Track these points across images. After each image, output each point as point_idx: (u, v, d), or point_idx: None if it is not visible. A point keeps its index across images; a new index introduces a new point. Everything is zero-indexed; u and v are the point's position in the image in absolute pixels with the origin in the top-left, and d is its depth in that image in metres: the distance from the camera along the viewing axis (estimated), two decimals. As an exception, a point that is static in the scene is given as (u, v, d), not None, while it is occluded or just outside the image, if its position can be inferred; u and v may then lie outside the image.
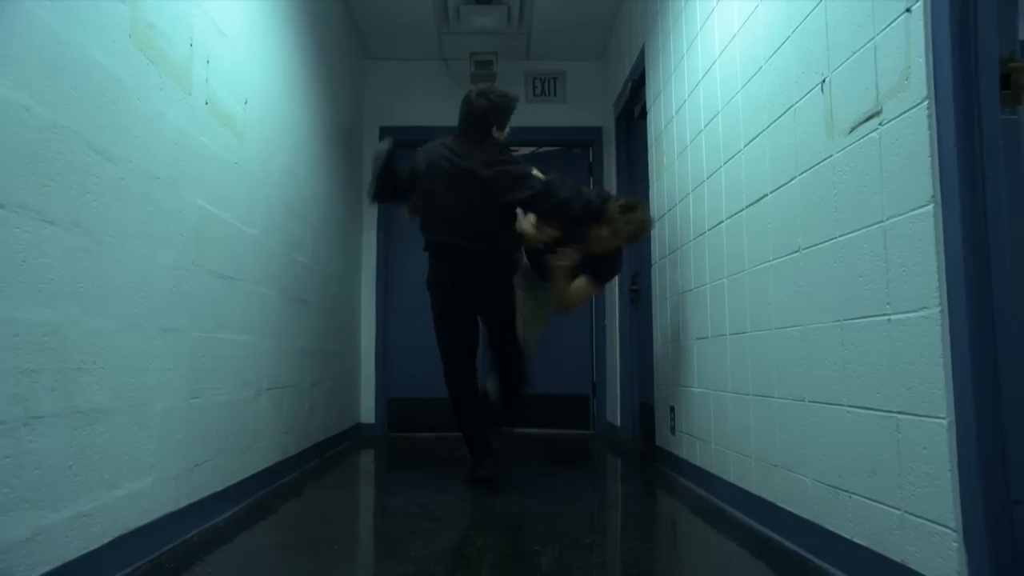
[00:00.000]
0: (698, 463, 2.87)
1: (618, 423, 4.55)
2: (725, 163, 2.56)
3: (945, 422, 1.34)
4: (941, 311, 1.35)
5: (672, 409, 3.27)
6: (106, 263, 1.65)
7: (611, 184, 4.74)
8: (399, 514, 2.53)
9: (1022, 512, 1.24)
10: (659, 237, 3.51)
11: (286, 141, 3.16)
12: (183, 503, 2.05)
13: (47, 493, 1.42)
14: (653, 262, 3.65)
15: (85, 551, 1.54)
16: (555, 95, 5.27)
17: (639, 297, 4.29)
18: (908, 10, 1.45)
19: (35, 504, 1.38)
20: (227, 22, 2.45)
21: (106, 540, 1.62)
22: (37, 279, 1.40)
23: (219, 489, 2.31)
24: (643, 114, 3.90)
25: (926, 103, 1.39)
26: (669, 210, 3.32)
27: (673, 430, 3.24)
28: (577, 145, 5.27)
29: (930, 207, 1.38)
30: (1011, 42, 1.31)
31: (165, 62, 1.96)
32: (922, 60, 1.40)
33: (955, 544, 1.30)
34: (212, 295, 2.28)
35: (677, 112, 3.20)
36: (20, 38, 1.36)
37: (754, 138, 2.28)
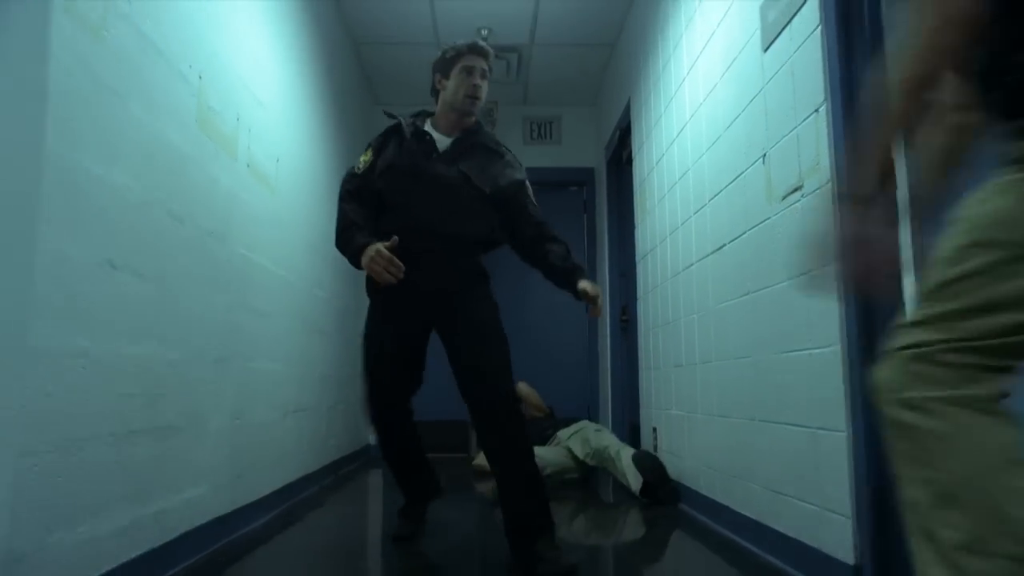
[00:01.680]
0: (679, 479, 3.22)
1: (609, 443, 4.88)
2: (694, 213, 2.95)
3: (845, 435, 1.71)
4: (842, 348, 1.72)
5: (655, 429, 3.63)
6: (178, 306, 2.03)
7: (603, 219, 5.16)
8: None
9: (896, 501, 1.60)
10: (643, 274, 3.89)
11: (307, 188, 3.56)
12: (229, 508, 2.41)
13: (139, 492, 1.79)
14: (639, 296, 4.03)
15: (162, 542, 1.90)
16: (551, 138, 5.70)
17: (628, 327, 4.66)
18: (816, 110, 1.85)
19: (131, 500, 1.75)
20: (264, 92, 2.86)
21: (176, 535, 1.99)
22: (133, 321, 1.78)
23: (256, 499, 2.67)
24: (630, 160, 4.30)
25: (830, 184, 1.78)
26: (651, 250, 3.71)
27: (655, 448, 3.60)
28: (572, 184, 5.68)
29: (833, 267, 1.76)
30: (890, 140, 1.70)
31: (219, 136, 2.36)
32: (827, 150, 1.79)
33: (851, 527, 1.67)
34: (252, 329, 2.66)
35: (657, 163, 3.60)
36: (128, 135, 1.75)
37: (716, 194, 2.67)
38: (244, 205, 2.61)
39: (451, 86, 2.27)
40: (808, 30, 1.91)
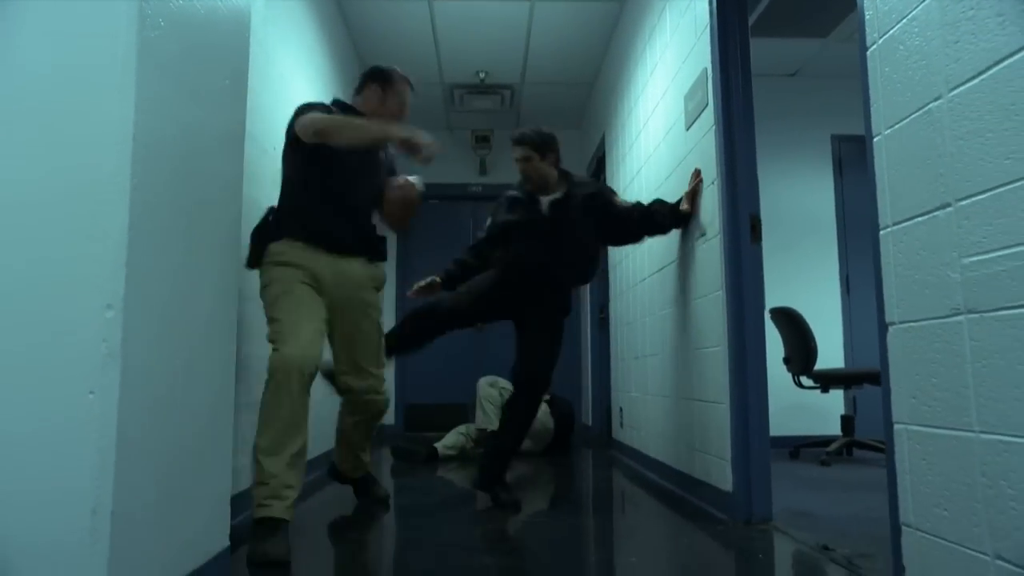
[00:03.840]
0: (636, 447, 4.06)
1: (590, 423, 5.74)
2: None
3: (726, 405, 2.54)
4: (727, 347, 2.55)
5: (621, 409, 4.47)
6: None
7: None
8: (419, 486, 3.72)
9: (756, 448, 2.43)
10: (614, 280, 4.72)
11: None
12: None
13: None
14: (612, 297, 4.85)
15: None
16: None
17: (605, 323, 5.49)
18: (712, 183, 2.67)
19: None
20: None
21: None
22: (251, 330, 2.59)
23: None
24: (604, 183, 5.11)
25: (720, 235, 2.60)
26: (620, 261, 4.53)
27: (621, 424, 4.44)
28: (558, 197, 6.48)
29: (720, 292, 2.58)
30: (755, 206, 2.52)
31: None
32: (717, 212, 2.61)
33: (729, 468, 2.50)
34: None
35: (624, 190, 4.41)
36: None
37: (660, 227, 3.49)
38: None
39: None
40: (707, 127, 2.72)
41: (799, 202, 5.07)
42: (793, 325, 4.20)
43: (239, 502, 2.23)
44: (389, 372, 6.11)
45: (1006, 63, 1.21)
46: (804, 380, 4.27)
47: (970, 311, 1.28)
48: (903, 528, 1.50)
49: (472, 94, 5.65)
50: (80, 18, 1.31)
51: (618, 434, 4.58)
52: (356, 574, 2.22)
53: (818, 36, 4.66)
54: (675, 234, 3.17)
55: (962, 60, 1.31)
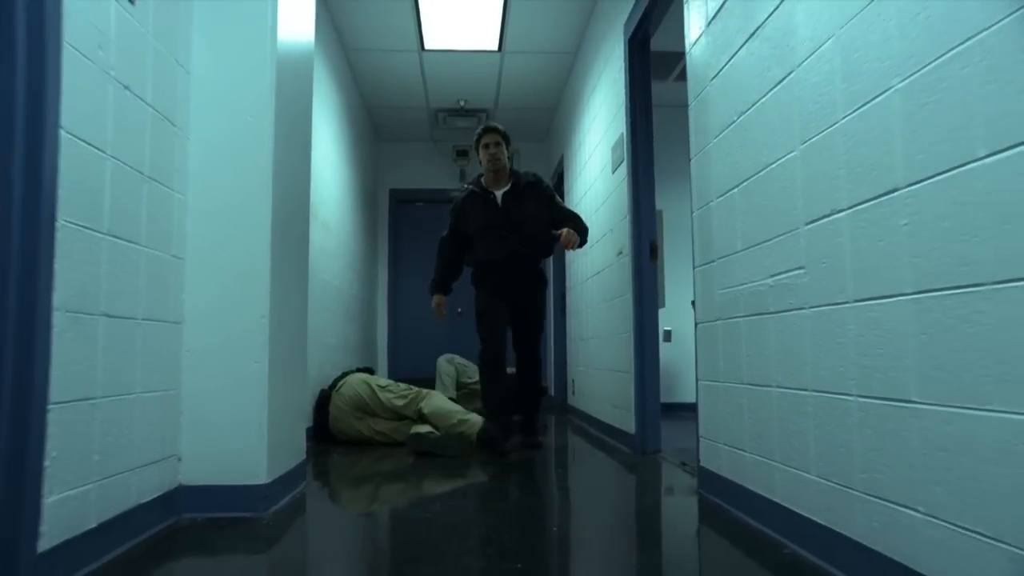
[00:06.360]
0: (582, 409, 5.18)
1: (552, 393, 6.89)
2: (589, 248, 4.86)
3: (631, 374, 3.65)
4: (632, 334, 3.65)
5: (573, 381, 5.60)
6: (312, 314, 3.90)
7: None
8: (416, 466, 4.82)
9: (650, 403, 3.56)
10: (570, 274, 5.82)
11: (343, 219, 5.43)
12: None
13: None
14: (567, 288, 5.96)
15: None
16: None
17: (563, 310, 6.60)
18: (625, 217, 3.76)
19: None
20: (327, 171, 4.70)
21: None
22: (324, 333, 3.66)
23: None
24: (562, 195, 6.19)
25: (631, 255, 3.69)
26: (573, 261, 5.64)
27: (573, 392, 5.58)
28: (527, 201, 7.57)
29: (629, 294, 3.69)
30: (653, 235, 3.63)
31: (314, 215, 4.21)
32: (628, 238, 3.71)
33: (633, 417, 3.63)
34: (324, 320, 4.55)
35: (575, 205, 5.50)
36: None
37: (596, 242, 4.59)
38: (318, 246, 4.48)
39: (481, 158, 3.85)
40: (623, 176, 3.81)
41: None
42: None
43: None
44: (383, 353, 7.22)
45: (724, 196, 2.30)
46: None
47: (719, 318, 2.39)
48: (700, 439, 2.62)
49: (453, 116, 6.68)
50: (244, 104, 2.34)
51: (571, 400, 5.72)
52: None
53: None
54: (607, 249, 4.27)
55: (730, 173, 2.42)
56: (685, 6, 2.75)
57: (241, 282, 2.31)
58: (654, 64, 3.83)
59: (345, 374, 4.31)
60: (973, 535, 1.21)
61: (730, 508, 2.31)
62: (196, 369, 2.26)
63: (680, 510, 2.54)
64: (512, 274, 3.80)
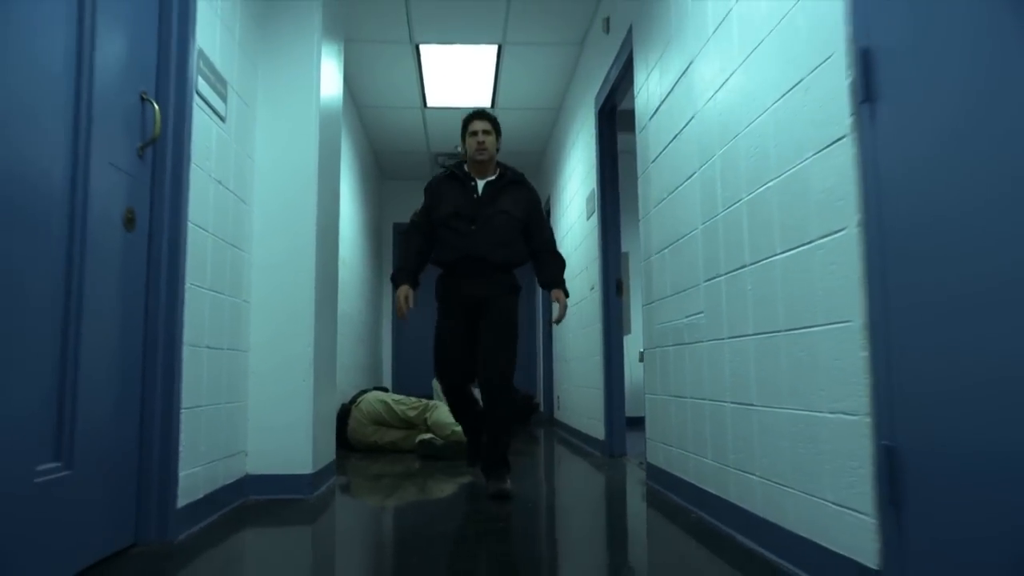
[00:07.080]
0: (566, 422, 5.90)
1: (542, 409, 7.60)
2: (576, 276, 5.59)
3: (601, 390, 4.37)
4: (601, 357, 4.38)
5: (558, 397, 6.32)
6: (341, 340, 4.62)
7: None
8: (423, 468, 5.52)
9: (616, 415, 4.27)
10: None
11: (355, 252, 6.17)
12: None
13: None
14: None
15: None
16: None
17: (551, 334, 7.33)
18: (595, 259, 4.50)
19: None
20: (344, 210, 5.45)
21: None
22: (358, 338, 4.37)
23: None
24: (550, 231, 6.94)
25: (599, 290, 4.43)
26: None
27: (559, 407, 6.29)
28: (519, 233, 8.33)
29: (599, 324, 4.42)
30: (619, 274, 4.37)
31: (342, 262, 4.95)
32: (598, 276, 4.44)
33: (602, 426, 4.34)
34: (339, 344, 5.27)
35: (560, 241, 6.24)
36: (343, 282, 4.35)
37: (577, 274, 5.32)
38: (342, 281, 5.21)
39: (467, 145, 3.31)
40: (595, 224, 4.56)
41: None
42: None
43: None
44: (387, 372, 7.94)
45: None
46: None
47: (658, 346, 3.13)
48: (647, 441, 3.34)
49: (452, 158, 7.45)
50: (295, 184, 3.09)
51: (557, 415, 6.44)
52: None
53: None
54: (583, 284, 5.02)
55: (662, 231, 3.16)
56: (636, 98, 3.51)
57: (292, 320, 3.04)
58: (625, 120, 4.57)
59: (363, 392, 5.02)
60: (780, 486, 1.93)
61: (664, 491, 3.03)
62: (259, 385, 2.99)
63: (631, 495, 3.26)
64: (472, 280, 3.21)
